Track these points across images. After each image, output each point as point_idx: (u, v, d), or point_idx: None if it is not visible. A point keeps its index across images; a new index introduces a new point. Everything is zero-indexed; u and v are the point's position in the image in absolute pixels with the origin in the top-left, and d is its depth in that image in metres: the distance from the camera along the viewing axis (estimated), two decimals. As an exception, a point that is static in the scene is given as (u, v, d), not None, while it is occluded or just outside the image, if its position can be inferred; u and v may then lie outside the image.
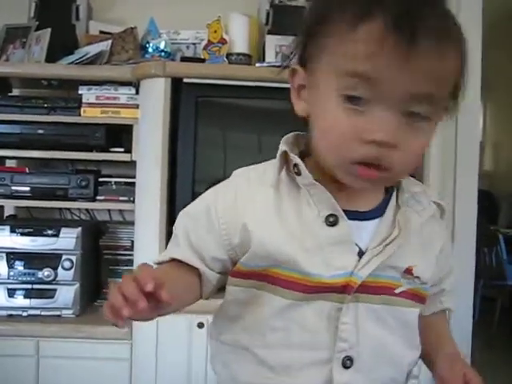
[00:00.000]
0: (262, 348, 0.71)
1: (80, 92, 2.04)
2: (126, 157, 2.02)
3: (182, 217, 0.76)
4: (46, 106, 2.04)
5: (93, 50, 2.06)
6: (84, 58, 2.01)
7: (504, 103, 5.05)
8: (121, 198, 2.06)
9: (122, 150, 2.05)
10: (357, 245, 0.70)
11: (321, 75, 0.66)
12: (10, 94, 2.23)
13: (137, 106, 2.00)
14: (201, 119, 1.89)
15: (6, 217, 2.30)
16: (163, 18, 2.21)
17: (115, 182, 2.08)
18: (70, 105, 2.04)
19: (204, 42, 2.11)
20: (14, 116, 2.03)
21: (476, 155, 2.43)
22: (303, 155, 0.73)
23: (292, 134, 0.75)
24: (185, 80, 1.87)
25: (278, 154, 0.72)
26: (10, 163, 2.29)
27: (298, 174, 0.70)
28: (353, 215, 0.70)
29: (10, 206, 2.30)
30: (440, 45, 0.61)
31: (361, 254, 0.70)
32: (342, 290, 0.68)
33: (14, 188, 2.03)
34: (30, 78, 2.08)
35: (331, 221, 0.68)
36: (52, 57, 2.05)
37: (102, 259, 2.21)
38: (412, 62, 0.59)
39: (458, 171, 2.39)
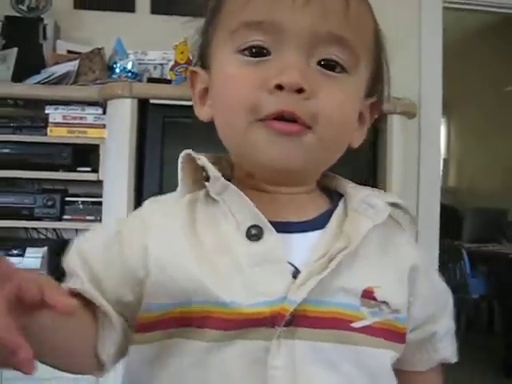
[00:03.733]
0: None
1: (47, 111, 2.04)
2: (92, 176, 2.02)
3: (74, 251, 0.61)
4: (11, 125, 2.04)
5: (60, 69, 2.06)
6: (51, 77, 2.02)
7: (467, 121, 5.20)
8: (88, 218, 2.06)
9: (88, 169, 2.05)
10: (291, 264, 0.53)
11: (216, 49, 0.58)
12: (-26, 113, 2.22)
13: (104, 126, 2.01)
14: (167, 140, 1.91)
15: (-30, 236, 2.27)
16: (131, 38, 2.22)
17: (82, 202, 2.07)
18: (37, 124, 2.04)
19: (171, 63, 2.14)
20: (-22, 135, 2.02)
21: (438, 171, 2.51)
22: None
23: (207, 154, 0.60)
24: (151, 101, 1.90)
25: (179, 162, 0.59)
26: (-26, 182, 2.27)
27: (208, 179, 0.56)
28: (284, 227, 0.55)
29: (-26, 225, 2.27)
30: None
31: (297, 274, 0.53)
32: (272, 324, 0.51)
33: (-22, 207, 2.02)
34: (-4, 97, 2.07)
35: (254, 234, 0.53)
36: (18, 76, 2.05)
37: (68, 278, 2.19)
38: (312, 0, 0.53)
39: (421, 187, 2.46)
